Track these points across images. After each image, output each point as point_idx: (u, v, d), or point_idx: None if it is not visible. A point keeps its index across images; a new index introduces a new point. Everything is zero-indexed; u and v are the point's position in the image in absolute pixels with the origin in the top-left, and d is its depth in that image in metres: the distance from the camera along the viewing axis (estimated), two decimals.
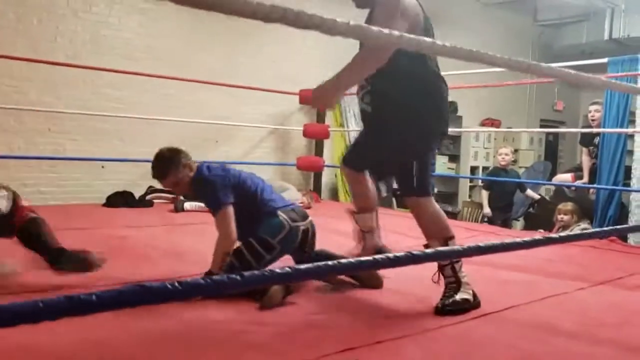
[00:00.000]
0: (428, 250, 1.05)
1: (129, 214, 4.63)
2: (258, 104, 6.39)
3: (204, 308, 2.11)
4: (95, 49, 5.35)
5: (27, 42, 4.97)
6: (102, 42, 5.41)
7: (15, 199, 2.52)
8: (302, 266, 0.93)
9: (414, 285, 2.57)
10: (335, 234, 3.52)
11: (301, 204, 5.57)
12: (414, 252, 0.98)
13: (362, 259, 1.01)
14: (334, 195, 7.02)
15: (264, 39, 6.26)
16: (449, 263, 2.28)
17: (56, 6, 5.15)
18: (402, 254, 0.97)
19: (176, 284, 0.72)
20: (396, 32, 0.95)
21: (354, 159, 2.48)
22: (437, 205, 2.44)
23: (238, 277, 0.79)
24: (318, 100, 2.31)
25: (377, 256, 0.97)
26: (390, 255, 0.95)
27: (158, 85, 5.60)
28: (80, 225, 3.82)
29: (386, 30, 0.91)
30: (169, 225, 4.18)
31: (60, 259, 2.42)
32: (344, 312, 2.22)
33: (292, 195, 5.54)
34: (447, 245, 2.26)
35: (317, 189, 6.69)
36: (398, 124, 2.29)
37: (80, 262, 2.44)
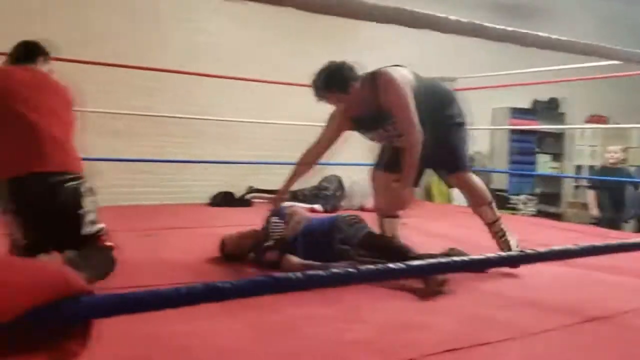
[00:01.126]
0: (542, 250, 1.03)
1: (230, 213, 4.84)
2: None
3: (308, 304, 2.15)
4: (197, 56, 5.65)
5: (137, 51, 5.33)
6: (204, 49, 5.71)
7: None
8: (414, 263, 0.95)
9: (515, 287, 2.50)
10: (427, 236, 3.47)
11: None
12: (528, 252, 0.97)
13: (475, 257, 1.01)
14: (428, 195, 6.93)
15: (357, 41, 6.30)
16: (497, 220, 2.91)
17: (162, 17, 5.50)
18: (515, 253, 0.96)
19: (299, 274, 0.77)
20: (508, 28, 0.95)
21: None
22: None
23: (355, 272, 0.82)
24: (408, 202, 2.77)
25: (490, 254, 0.96)
26: (504, 254, 0.94)
27: (255, 90, 5.80)
28: (187, 225, 4.05)
29: (510, 29, 0.91)
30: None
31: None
32: (444, 313, 2.18)
33: None
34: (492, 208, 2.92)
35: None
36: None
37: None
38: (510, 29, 0.95)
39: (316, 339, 1.88)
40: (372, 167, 3.16)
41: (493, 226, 2.93)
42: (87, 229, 2.43)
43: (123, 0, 5.29)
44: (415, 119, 2.63)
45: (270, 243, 2.88)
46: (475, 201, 2.93)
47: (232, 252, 2.97)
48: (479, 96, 6.84)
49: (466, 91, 6.48)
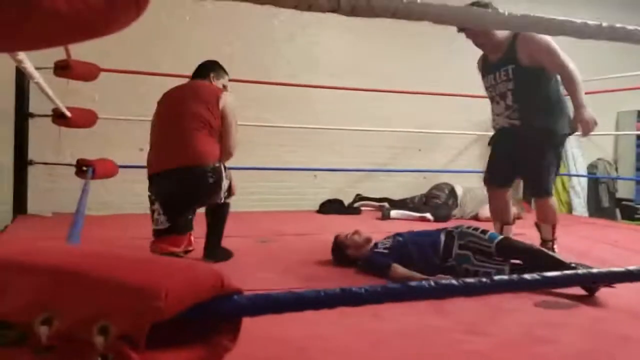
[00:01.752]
0: None
1: (340, 221, 4.91)
2: (462, 112, 6.29)
3: (422, 314, 2.14)
4: (309, 68, 5.82)
5: (251, 66, 5.59)
6: (314, 62, 5.87)
7: None
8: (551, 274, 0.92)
9: None
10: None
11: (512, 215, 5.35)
12: None
13: (613, 269, 0.96)
14: None
15: (463, 47, 6.16)
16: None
17: (276, 32, 5.73)
18: None
19: (432, 282, 0.78)
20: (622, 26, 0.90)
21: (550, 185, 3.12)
22: None
23: (488, 281, 0.82)
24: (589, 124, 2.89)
25: (632, 267, 0.91)
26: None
27: (364, 99, 5.86)
28: (299, 231, 4.18)
29: (631, 27, 0.86)
30: (376, 233, 4.34)
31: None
32: (569, 328, 2.08)
33: None
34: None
35: (528, 197, 6.34)
36: (547, 128, 3.01)
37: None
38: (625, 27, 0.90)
39: (432, 347, 1.86)
40: (488, 182, 3.38)
41: (545, 244, 3.10)
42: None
43: (241, 22, 5.57)
44: (566, 58, 2.92)
45: (381, 249, 2.90)
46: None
47: (343, 247, 3.05)
48: (603, 99, 6.42)
49: (589, 94, 6.10)
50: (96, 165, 4.03)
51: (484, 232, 2.83)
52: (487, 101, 6.74)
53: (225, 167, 3.10)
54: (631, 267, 0.97)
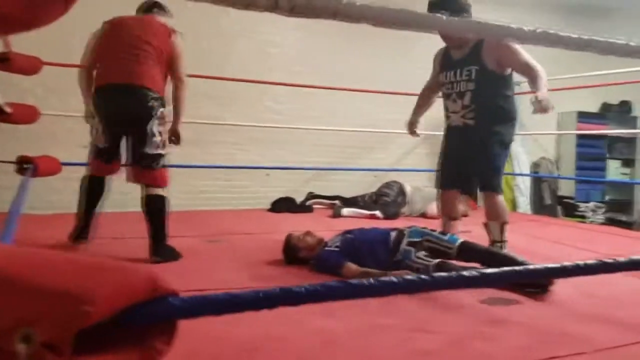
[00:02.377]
0: (622, 259, 1.00)
1: (292, 219, 4.90)
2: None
3: (372, 313, 2.16)
4: (262, 66, 5.78)
5: (202, 61, 5.51)
6: (267, 59, 5.83)
7: None
8: (489, 270, 0.95)
9: (585, 299, 2.42)
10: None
11: None
12: (606, 261, 0.95)
13: (549, 265, 0.99)
14: None
15: (416, 46, 6.26)
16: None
17: (227, 28, 5.66)
18: (594, 261, 0.94)
19: (372, 280, 0.78)
20: (584, 37, 0.93)
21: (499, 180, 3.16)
22: None
23: (429, 279, 0.84)
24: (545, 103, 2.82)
25: (566, 263, 0.95)
26: (581, 263, 0.92)
27: (317, 96, 5.88)
28: (250, 231, 4.15)
29: (574, 35, 0.90)
30: (327, 231, 4.35)
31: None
32: (513, 325, 2.14)
33: None
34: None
35: (474, 195, 6.50)
36: (499, 131, 3.09)
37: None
38: (586, 37, 0.93)
39: (382, 346, 1.88)
40: (440, 181, 3.43)
41: (494, 245, 3.09)
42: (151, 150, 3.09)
43: (192, 17, 5.47)
44: (530, 59, 2.99)
45: (332, 247, 2.92)
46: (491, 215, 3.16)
47: (295, 249, 3.03)
48: None
49: (531, 94, 6.32)
50: (38, 163, 3.87)
51: (443, 233, 2.92)
52: (436, 101, 6.86)
53: (164, 115, 3.19)
54: (567, 263, 1.00)
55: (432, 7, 3.02)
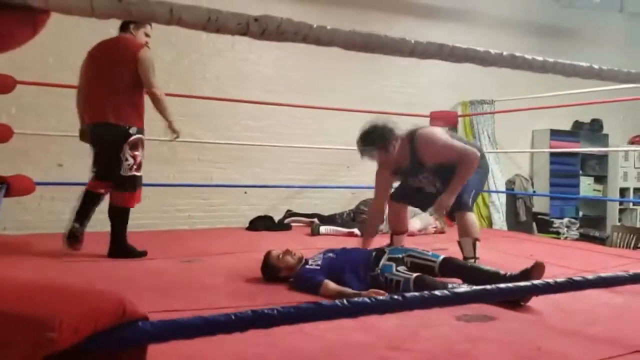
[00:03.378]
0: (590, 277, 1.02)
1: (270, 238, 4.87)
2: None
3: (347, 330, 2.15)
4: (237, 84, 5.79)
5: (179, 80, 5.51)
6: (244, 78, 5.85)
7: None
8: (461, 290, 0.96)
9: (559, 315, 2.44)
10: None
11: (434, 229, 5.52)
12: (575, 279, 0.96)
13: (520, 284, 1.01)
14: None
15: (391, 65, 6.35)
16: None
17: (203, 47, 5.67)
18: (563, 279, 0.96)
19: (345, 302, 0.78)
20: (549, 60, 0.97)
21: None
22: None
23: (400, 298, 0.84)
24: (443, 209, 3.21)
25: (537, 282, 0.96)
26: (550, 280, 0.94)
27: (295, 115, 5.90)
28: (227, 250, 4.10)
29: (540, 58, 0.93)
30: (307, 249, 4.34)
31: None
32: (489, 341, 2.14)
33: (425, 219, 5.50)
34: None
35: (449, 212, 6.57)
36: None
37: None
38: (551, 60, 0.96)
39: None
40: (391, 196, 3.72)
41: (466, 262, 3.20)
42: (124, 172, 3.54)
43: (166, 34, 5.47)
44: (460, 145, 3.21)
45: (312, 266, 2.91)
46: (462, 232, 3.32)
47: (275, 269, 3.02)
48: (518, 118, 6.78)
49: (505, 113, 6.46)
50: (10, 182, 3.81)
51: (425, 251, 2.98)
52: (412, 119, 7.00)
53: (136, 141, 3.58)
54: (538, 282, 1.02)
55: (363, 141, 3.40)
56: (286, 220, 5.60)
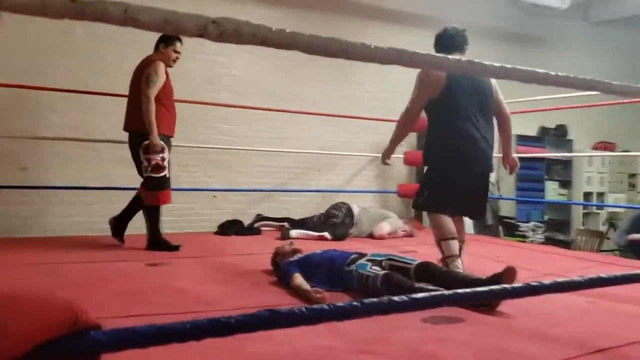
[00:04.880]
0: (547, 282, 1.04)
1: (239, 242, 4.84)
2: (359, 133, 6.50)
3: (316, 334, 2.14)
4: (209, 87, 5.74)
5: None
6: (215, 81, 5.80)
7: None
8: (420, 295, 0.96)
9: (523, 317, 2.49)
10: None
11: (403, 232, 5.56)
12: (533, 284, 0.98)
13: (478, 289, 1.02)
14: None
15: (362, 70, 6.39)
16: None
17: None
18: (521, 285, 0.97)
19: (304, 309, 0.78)
20: (507, 66, 0.98)
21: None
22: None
23: (358, 305, 0.84)
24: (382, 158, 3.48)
25: (495, 287, 0.97)
26: (509, 286, 0.95)
27: (265, 118, 5.88)
28: (195, 254, 4.06)
29: (497, 64, 0.94)
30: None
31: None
32: (455, 343, 2.16)
33: (394, 223, 5.54)
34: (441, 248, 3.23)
35: (419, 216, 6.62)
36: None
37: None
38: (508, 66, 0.97)
39: None
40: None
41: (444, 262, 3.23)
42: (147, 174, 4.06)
43: (135, 35, 5.39)
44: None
45: (294, 259, 3.11)
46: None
47: (274, 254, 3.31)
48: None
49: None
50: None
51: (404, 256, 3.08)
52: (382, 124, 7.04)
53: (148, 145, 3.97)
54: (496, 287, 1.03)
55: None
56: (256, 225, 5.56)
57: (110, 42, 5.28)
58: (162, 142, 4.01)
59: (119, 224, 4.25)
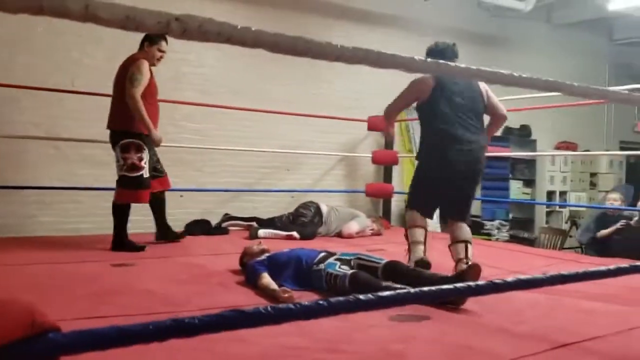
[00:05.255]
0: (509, 279, 1.06)
1: (206, 242, 4.79)
2: (328, 132, 6.51)
3: (284, 334, 2.13)
4: (175, 85, 5.66)
5: (112, 80, 5.32)
6: (182, 79, 5.73)
7: None
8: (386, 293, 0.97)
9: (488, 314, 2.53)
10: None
11: (371, 231, 5.60)
12: (496, 281, 0.99)
13: (443, 287, 1.03)
14: (404, 221, 6.98)
15: (331, 70, 6.40)
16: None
17: (137, 46, 5.49)
18: (484, 282, 0.99)
19: (270, 308, 0.77)
20: (472, 67, 1.00)
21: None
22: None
23: (325, 303, 0.84)
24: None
25: (459, 284, 0.99)
26: (472, 284, 0.96)
27: (233, 117, 5.83)
28: (162, 254, 4.01)
29: (462, 65, 0.96)
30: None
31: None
32: (421, 341, 2.19)
33: (362, 222, 5.57)
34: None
35: (387, 215, 6.68)
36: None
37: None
38: (474, 67, 0.99)
39: None
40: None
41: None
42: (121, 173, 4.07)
43: (97, 31, 5.27)
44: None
45: (262, 258, 3.09)
46: None
47: (242, 254, 3.31)
48: None
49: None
50: None
51: (373, 256, 3.11)
52: (351, 123, 7.06)
53: (128, 144, 4.01)
54: (446, 286, 1.04)
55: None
56: (224, 224, 5.51)
57: (74, 37, 5.16)
58: (139, 142, 4.04)
59: (160, 229, 4.42)
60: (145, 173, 4.08)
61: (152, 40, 4.12)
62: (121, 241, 4.05)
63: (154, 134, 4.07)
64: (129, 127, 4.00)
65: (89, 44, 5.26)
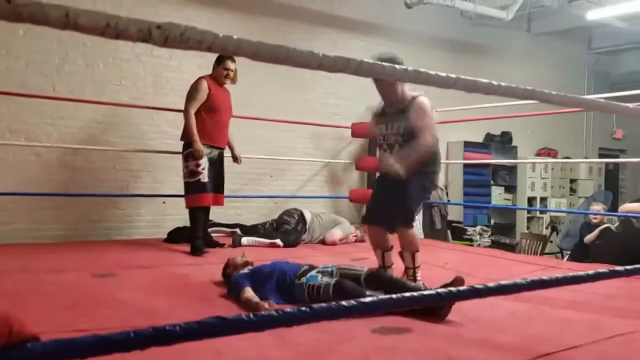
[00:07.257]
0: (491, 284, 1.07)
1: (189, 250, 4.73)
2: (312, 139, 6.52)
3: (263, 346, 2.11)
4: (156, 91, 5.63)
5: (94, 86, 5.29)
6: (164, 84, 5.70)
7: None
8: (368, 300, 0.97)
9: (469, 323, 2.55)
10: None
11: (355, 237, 5.60)
12: (477, 287, 1.00)
13: (425, 292, 1.04)
14: None
15: (315, 77, 6.42)
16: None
17: (120, 52, 5.47)
18: (465, 288, 1.00)
19: (251, 315, 0.77)
20: (452, 75, 1.01)
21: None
22: None
23: (307, 310, 0.84)
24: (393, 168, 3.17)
25: (441, 290, 0.99)
26: (454, 289, 0.97)
27: None
28: (143, 264, 3.93)
29: (442, 74, 0.97)
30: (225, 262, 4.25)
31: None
32: (403, 353, 2.16)
33: (345, 229, 5.58)
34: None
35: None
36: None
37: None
38: (453, 75, 1.00)
39: None
40: (367, 220, 3.64)
41: (407, 271, 3.40)
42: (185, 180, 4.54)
43: (82, 40, 5.22)
44: (432, 130, 3.28)
45: (245, 272, 3.08)
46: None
47: (226, 266, 3.27)
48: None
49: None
50: None
51: (354, 266, 3.14)
52: (333, 130, 7.08)
53: (190, 152, 4.40)
54: (427, 292, 1.05)
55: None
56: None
57: (54, 42, 5.12)
58: (202, 149, 4.36)
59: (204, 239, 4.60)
60: (204, 178, 4.41)
61: (219, 60, 4.55)
62: (193, 246, 4.42)
63: (195, 145, 4.34)
64: (188, 138, 4.41)
65: (71, 50, 5.22)
